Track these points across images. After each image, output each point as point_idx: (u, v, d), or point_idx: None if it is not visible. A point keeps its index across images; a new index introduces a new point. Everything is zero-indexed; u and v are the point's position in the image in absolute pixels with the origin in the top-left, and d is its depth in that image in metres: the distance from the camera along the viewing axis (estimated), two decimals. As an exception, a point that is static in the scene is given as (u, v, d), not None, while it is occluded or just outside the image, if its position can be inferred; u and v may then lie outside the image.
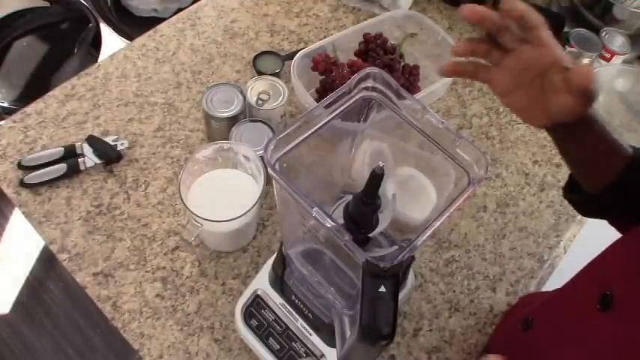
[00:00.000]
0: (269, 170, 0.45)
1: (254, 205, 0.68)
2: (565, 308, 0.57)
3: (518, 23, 0.49)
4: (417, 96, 0.83)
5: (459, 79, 1.01)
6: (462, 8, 0.49)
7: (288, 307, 0.66)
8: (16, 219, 1.74)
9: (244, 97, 0.79)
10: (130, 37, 1.53)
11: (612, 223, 0.57)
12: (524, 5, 0.48)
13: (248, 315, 0.68)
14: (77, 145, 0.82)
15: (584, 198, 0.58)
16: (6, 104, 1.52)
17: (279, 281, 0.64)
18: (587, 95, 0.48)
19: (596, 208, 0.58)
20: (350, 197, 0.48)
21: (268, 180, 0.71)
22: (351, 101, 0.51)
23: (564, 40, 1.01)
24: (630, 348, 0.43)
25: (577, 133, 0.53)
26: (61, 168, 0.80)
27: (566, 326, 0.54)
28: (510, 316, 0.75)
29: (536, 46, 0.50)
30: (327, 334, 0.63)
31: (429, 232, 0.43)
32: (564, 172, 0.92)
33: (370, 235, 0.49)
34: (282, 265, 0.61)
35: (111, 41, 1.59)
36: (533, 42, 0.50)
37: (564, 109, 0.49)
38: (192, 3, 1.15)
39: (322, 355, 0.64)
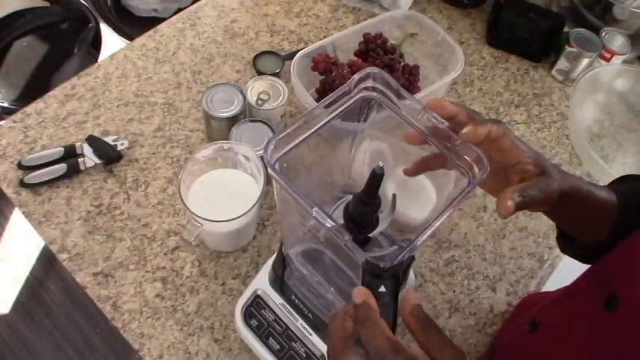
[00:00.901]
0: (269, 170, 0.45)
1: (254, 205, 0.68)
2: (571, 309, 0.56)
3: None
4: (417, 96, 0.83)
5: (459, 79, 1.01)
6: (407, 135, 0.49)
7: (288, 307, 0.66)
8: (16, 219, 1.74)
9: (244, 97, 0.79)
10: (130, 37, 1.53)
11: None
12: (484, 127, 0.47)
13: (248, 315, 0.68)
14: (77, 145, 0.82)
15: (584, 252, 0.57)
16: (6, 104, 1.52)
17: (279, 281, 0.64)
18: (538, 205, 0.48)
19: (598, 257, 0.57)
20: (350, 197, 0.48)
21: (268, 180, 0.71)
22: (351, 101, 0.51)
23: (564, 40, 1.01)
24: (636, 349, 0.43)
25: (557, 208, 0.52)
26: (61, 168, 0.80)
27: (573, 327, 0.53)
28: (516, 316, 0.75)
29: (498, 150, 0.50)
30: (327, 334, 0.62)
31: (429, 232, 0.43)
32: (564, 172, 0.92)
33: (370, 235, 0.49)
34: (282, 265, 0.61)
35: (111, 41, 1.59)
36: (496, 150, 0.50)
37: (526, 206, 0.49)
38: (192, 3, 1.15)
39: (322, 355, 0.64)
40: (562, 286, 0.65)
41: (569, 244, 0.59)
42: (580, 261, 0.60)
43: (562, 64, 1.03)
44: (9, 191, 0.79)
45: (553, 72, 1.05)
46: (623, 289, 0.46)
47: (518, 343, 0.65)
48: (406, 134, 0.51)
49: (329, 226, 0.42)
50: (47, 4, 1.63)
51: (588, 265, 0.57)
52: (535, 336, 0.60)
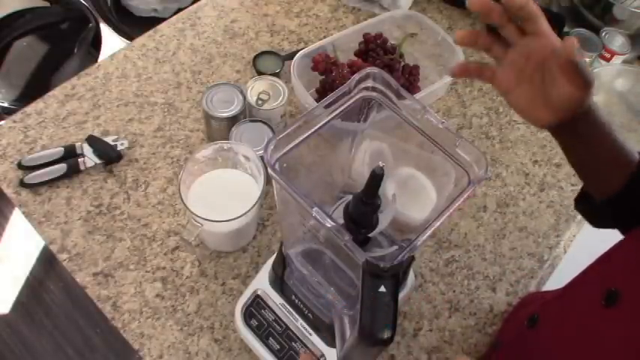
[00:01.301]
0: (269, 170, 0.45)
1: (254, 205, 0.68)
2: (570, 305, 0.57)
3: (518, 14, 0.50)
4: (417, 96, 0.83)
5: (459, 79, 1.01)
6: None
7: (288, 307, 0.66)
8: (16, 219, 1.74)
9: (244, 97, 0.79)
10: (130, 37, 1.53)
11: (624, 232, 0.57)
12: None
13: (248, 315, 0.68)
14: (77, 145, 0.82)
15: (594, 208, 0.58)
16: (6, 104, 1.52)
17: (279, 281, 0.64)
18: (581, 75, 0.48)
19: (606, 217, 0.58)
20: (350, 197, 0.48)
21: (268, 180, 0.71)
22: (351, 101, 0.51)
23: (564, 40, 1.01)
24: (635, 344, 0.43)
25: (582, 131, 0.53)
26: (61, 168, 0.80)
27: (572, 323, 0.54)
28: (515, 314, 0.76)
29: (535, 36, 0.51)
30: (327, 334, 0.63)
31: (429, 232, 0.43)
32: (564, 172, 0.92)
33: (370, 235, 0.49)
34: (282, 265, 0.61)
35: (111, 41, 1.59)
36: (532, 32, 0.51)
37: (565, 96, 0.50)
38: (192, 3, 1.15)
39: (322, 355, 0.64)
40: (561, 286, 0.65)
41: (583, 202, 0.60)
42: (589, 220, 0.61)
43: (562, 64, 1.03)
44: (9, 191, 0.79)
45: (553, 72, 1.05)
46: (624, 285, 0.47)
47: (518, 339, 0.65)
48: (457, 34, 0.54)
49: (329, 226, 0.42)
50: (47, 4, 1.63)
51: (591, 262, 0.57)
52: (534, 332, 0.60)
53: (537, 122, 0.54)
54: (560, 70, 0.49)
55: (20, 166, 0.80)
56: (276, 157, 0.46)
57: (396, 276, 0.42)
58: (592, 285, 0.53)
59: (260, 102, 0.80)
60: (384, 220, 0.49)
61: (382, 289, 0.41)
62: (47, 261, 1.67)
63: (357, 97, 0.51)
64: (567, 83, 0.49)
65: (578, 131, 0.53)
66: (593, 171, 0.57)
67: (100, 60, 1.18)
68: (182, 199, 0.67)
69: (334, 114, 0.50)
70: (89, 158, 0.81)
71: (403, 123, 0.51)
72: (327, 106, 0.49)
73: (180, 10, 1.43)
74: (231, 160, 0.74)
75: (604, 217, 0.59)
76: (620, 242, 0.53)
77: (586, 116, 0.52)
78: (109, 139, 0.83)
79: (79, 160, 0.81)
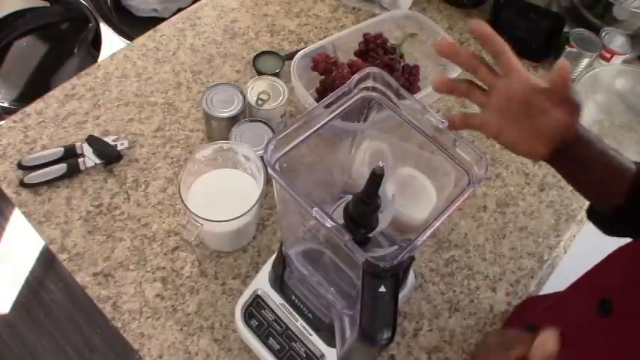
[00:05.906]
0: (269, 170, 0.45)
1: (254, 205, 0.68)
2: (566, 314, 0.57)
3: (483, 45, 0.51)
4: (417, 96, 0.83)
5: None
6: (435, 43, 0.52)
7: (288, 307, 0.66)
8: (16, 219, 1.74)
9: (244, 97, 0.79)
10: (130, 37, 1.53)
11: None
12: (488, 28, 0.50)
13: (248, 315, 0.68)
14: (77, 145, 0.82)
15: (603, 219, 0.58)
16: (6, 104, 1.52)
17: (279, 281, 0.65)
18: (572, 101, 0.49)
19: (616, 227, 0.58)
20: (350, 197, 0.48)
21: (268, 180, 0.71)
22: (351, 101, 0.51)
23: (564, 40, 1.01)
24: (630, 353, 0.43)
25: (577, 156, 0.53)
26: (61, 168, 0.80)
27: (568, 332, 0.54)
28: (513, 323, 0.75)
29: (509, 74, 0.51)
30: (327, 334, 0.63)
31: (429, 232, 0.43)
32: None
33: (370, 235, 0.49)
34: (282, 265, 0.61)
35: (111, 41, 1.59)
36: (504, 69, 0.51)
37: (557, 124, 0.50)
38: (192, 3, 1.15)
39: (322, 355, 0.64)
40: (560, 290, 0.65)
41: (592, 213, 0.60)
42: (602, 230, 0.60)
43: (562, 64, 1.03)
44: (9, 191, 0.79)
45: (553, 72, 1.05)
46: (616, 293, 0.47)
47: None
48: (433, 81, 0.54)
49: (329, 226, 0.42)
50: (47, 4, 1.63)
51: (586, 270, 0.57)
52: None
53: (535, 156, 0.54)
54: (550, 100, 0.49)
55: (20, 166, 0.80)
56: (276, 157, 0.46)
57: (396, 276, 0.42)
58: (587, 294, 0.53)
59: (260, 102, 0.80)
60: (384, 220, 0.49)
61: (382, 289, 0.41)
62: (47, 261, 1.67)
63: (357, 97, 0.51)
64: (559, 112, 0.50)
65: (574, 155, 0.53)
66: (595, 189, 0.57)
67: (100, 60, 1.18)
68: (182, 199, 0.67)
69: (334, 114, 0.50)
70: (89, 158, 0.81)
71: (403, 123, 0.51)
72: (327, 106, 0.49)
73: (180, 10, 1.42)
74: (231, 160, 0.74)
75: (614, 228, 0.58)
76: (614, 253, 0.53)
77: (579, 139, 0.52)
78: (109, 139, 0.83)
79: (79, 160, 0.81)
